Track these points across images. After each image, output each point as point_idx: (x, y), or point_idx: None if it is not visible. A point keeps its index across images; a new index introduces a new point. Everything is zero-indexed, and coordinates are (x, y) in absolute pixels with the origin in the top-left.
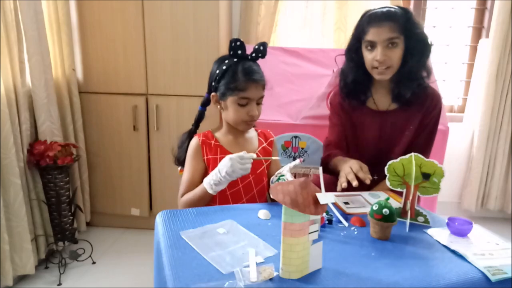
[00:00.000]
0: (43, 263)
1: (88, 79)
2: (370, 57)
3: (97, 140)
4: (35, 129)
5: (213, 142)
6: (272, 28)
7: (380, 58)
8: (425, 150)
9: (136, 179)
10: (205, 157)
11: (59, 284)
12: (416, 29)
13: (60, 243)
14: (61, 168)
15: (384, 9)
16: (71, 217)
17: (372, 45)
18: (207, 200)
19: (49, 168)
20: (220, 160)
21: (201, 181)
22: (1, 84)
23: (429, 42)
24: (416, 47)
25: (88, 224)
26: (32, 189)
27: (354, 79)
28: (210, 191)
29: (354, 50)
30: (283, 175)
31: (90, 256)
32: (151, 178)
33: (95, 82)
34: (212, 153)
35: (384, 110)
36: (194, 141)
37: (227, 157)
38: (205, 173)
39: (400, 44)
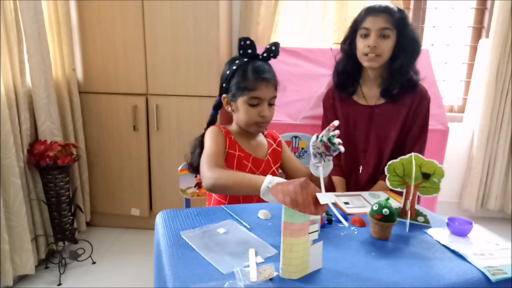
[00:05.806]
0: (43, 263)
1: (88, 79)
2: (362, 44)
3: (97, 140)
4: (35, 129)
5: (232, 137)
6: (272, 28)
7: (372, 44)
8: (418, 151)
9: (136, 179)
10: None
11: (59, 284)
12: (409, 28)
13: (60, 243)
14: (61, 168)
15: (382, 4)
16: (71, 217)
17: (367, 34)
18: (247, 194)
19: (49, 168)
20: (238, 158)
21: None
22: (1, 84)
23: (419, 43)
24: (407, 44)
25: (88, 224)
26: (32, 189)
27: (344, 69)
28: (257, 193)
29: (348, 42)
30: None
31: (90, 256)
32: (151, 178)
33: (95, 82)
34: (231, 148)
35: (372, 104)
36: (215, 128)
37: None
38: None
39: (392, 37)
